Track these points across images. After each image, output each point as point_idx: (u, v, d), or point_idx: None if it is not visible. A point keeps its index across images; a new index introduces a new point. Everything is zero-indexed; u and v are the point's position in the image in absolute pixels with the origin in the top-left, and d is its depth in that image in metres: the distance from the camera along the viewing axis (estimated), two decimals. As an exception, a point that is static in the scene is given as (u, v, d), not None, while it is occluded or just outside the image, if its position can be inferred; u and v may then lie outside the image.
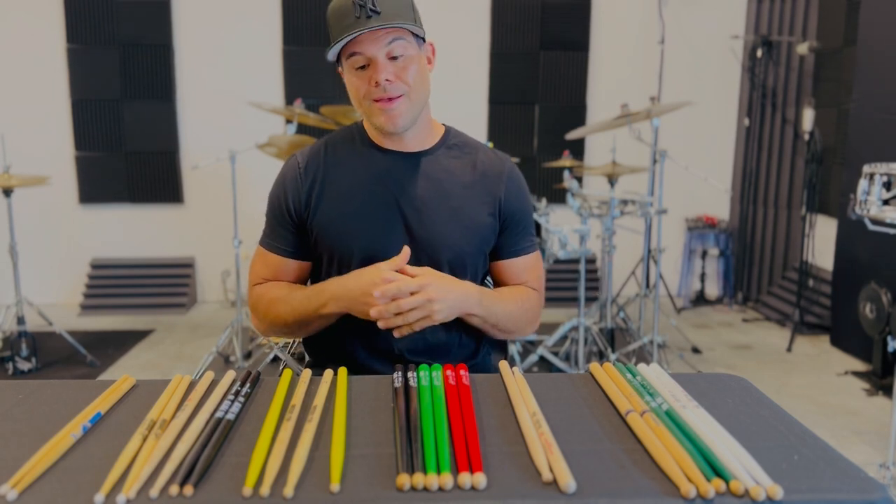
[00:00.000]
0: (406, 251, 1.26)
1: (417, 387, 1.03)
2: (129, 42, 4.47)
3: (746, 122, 4.69)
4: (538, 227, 3.07)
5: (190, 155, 4.60)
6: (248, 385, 1.06)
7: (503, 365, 1.15)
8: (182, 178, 4.65)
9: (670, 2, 4.58)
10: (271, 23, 4.51)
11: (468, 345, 1.42)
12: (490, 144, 1.48)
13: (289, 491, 0.77)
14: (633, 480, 0.80)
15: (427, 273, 1.25)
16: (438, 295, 1.21)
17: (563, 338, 3.49)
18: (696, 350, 3.75)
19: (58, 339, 3.60)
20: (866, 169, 2.16)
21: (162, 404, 0.99)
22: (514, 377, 1.10)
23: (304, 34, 4.51)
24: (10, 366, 3.39)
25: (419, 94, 1.30)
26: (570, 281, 4.52)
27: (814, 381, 3.36)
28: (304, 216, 1.36)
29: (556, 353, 3.36)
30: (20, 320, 3.42)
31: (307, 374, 1.11)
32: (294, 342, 1.80)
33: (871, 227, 2.34)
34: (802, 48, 4.25)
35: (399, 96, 1.26)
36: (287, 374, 1.11)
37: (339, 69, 1.32)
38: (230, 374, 1.10)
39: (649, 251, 3.93)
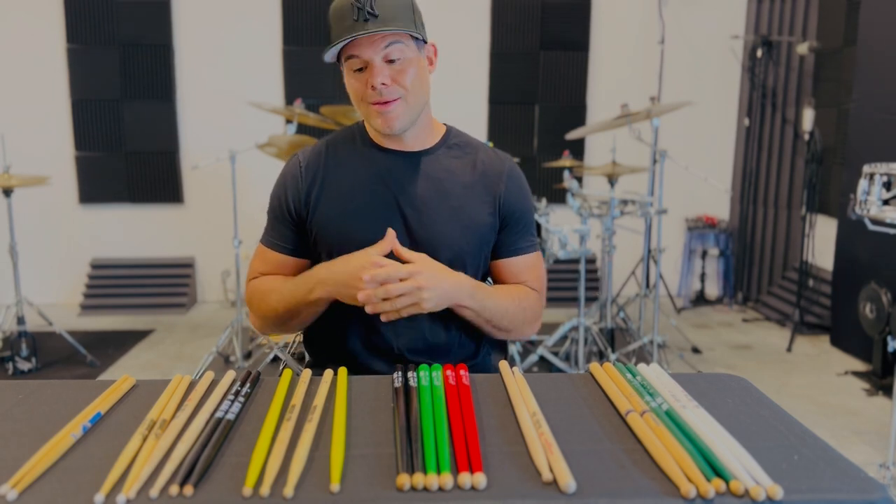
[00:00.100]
0: (391, 233, 1.25)
1: (417, 387, 1.03)
2: (129, 42, 4.47)
3: (746, 122, 4.69)
4: (538, 227, 3.06)
5: (190, 155, 4.60)
6: (248, 385, 1.06)
7: (503, 365, 1.15)
8: (182, 178, 4.65)
9: (670, 2, 4.58)
10: (271, 23, 4.51)
11: (468, 345, 1.42)
12: (490, 144, 1.47)
13: (289, 491, 0.77)
14: (633, 480, 0.80)
15: (421, 259, 1.25)
16: (428, 283, 1.20)
17: (563, 338, 3.48)
18: (696, 350, 3.75)
19: (58, 339, 3.59)
20: (866, 169, 2.16)
21: (162, 404, 1.00)
22: (514, 377, 1.10)
23: (304, 34, 4.51)
24: (10, 366, 3.38)
25: (417, 97, 1.29)
26: (570, 281, 4.52)
27: (814, 381, 3.36)
28: (304, 215, 1.36)
29: (556, 353, 3.36)
30: (20, 320, 3.42)
31: (307, 374, 1.11)
32: (294, 342, 1.79)
33: (871, 227, 2.34)
34: (802, 48, 4.25)
35: (395, 99, 1.26)
36: (287, 374, 1.11)
37: (342, 67, 1.32)
38: (230, 374, 1.10)
39: (649, 251, 3.93)
